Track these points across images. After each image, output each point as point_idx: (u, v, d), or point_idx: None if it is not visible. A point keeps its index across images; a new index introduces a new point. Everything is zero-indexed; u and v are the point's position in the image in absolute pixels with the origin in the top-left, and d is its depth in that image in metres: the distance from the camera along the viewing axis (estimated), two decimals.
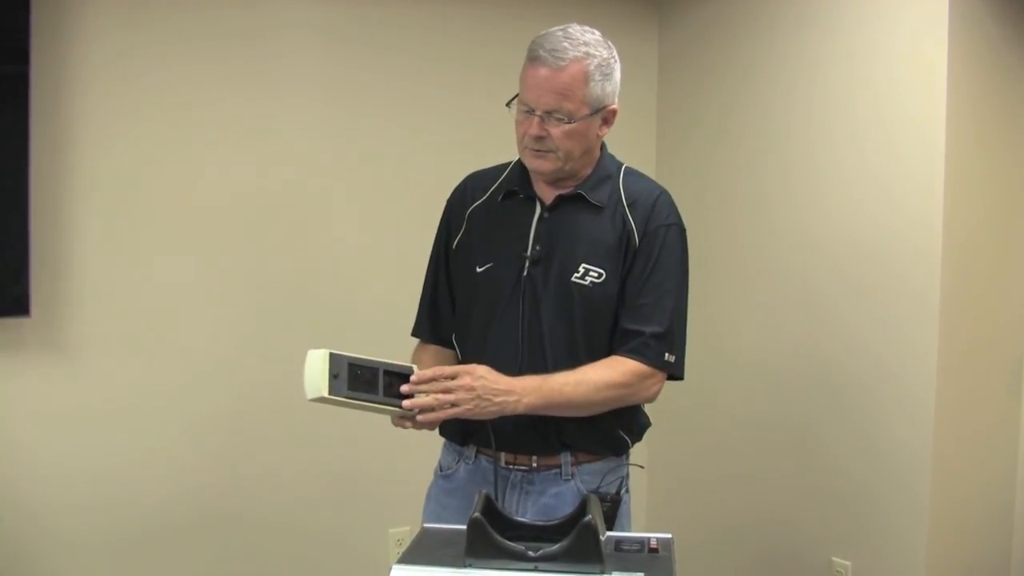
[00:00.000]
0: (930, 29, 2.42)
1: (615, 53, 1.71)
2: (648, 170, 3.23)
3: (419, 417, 1.60)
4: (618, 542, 1.43)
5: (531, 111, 1.67)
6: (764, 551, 2.92)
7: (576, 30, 1.68)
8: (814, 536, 2.75)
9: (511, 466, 1.78)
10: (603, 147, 1.83)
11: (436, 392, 1.60)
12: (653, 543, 1.42)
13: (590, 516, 1.32)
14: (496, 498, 1.69)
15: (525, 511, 1.75)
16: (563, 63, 1.64)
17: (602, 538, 1.33)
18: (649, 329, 1.71)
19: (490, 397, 1.60)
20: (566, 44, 1.64)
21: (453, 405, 1.59)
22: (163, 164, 2.59)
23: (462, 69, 2.98)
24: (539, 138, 1.68)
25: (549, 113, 1.66)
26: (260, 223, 2.74)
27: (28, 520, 2.44)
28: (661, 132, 3.36)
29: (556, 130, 1.67)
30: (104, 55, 2.50)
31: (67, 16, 2.45)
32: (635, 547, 1.41)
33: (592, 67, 1.65)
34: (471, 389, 1.60)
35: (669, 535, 1.45)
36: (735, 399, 3.04)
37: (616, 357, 1.72)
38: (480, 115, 2.83)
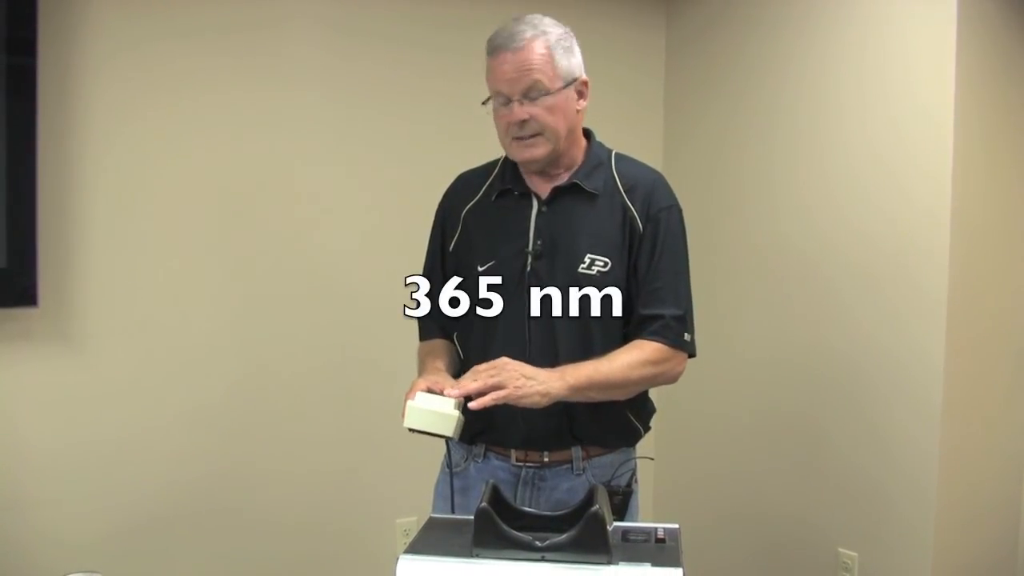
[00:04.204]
0: (939, 22, 2.41)
1: (569, 30, 1.75)
2: (655, 160, 3.24)
3: (471, 404, 1.56)
4: (625, 532, 1.43)
5: (507, 101, 1.69)
6: (771, 542, 2.93)
7: (527, 16, 1.72)
8: (820, 527, 2.75)
9: (522, 463, 1.77)
10: (591, 135, 1.83)
11: (483, 377, 1.58)
12: (660, 533, 1.42)
13: (597, 506, 1.32)
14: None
15: (537, 508, 1.72)
16: (523, 42, 1.67)
17: (609, 528, 1.33)
18: (669, 312, 1.72)
19: (533, 375, 1.58)
20: (521, 27, 1.69)
21: (499, 388, 1.56)
22: (169, 156, 2.60)
23: (468, 63, 2.95)
24: (523, 123, 1.69)
25: (525, 94, 1.68)
26: (265, 215, 2.74)
27: (33, 509, 2.45)
28: (668, 123, 3.35)
29: (537, 109, 1.68)
30: (111, 47, 2.50)
31: (74, 8, 2.45)
32: (642, 537, 1.41)
33: (552, 41, 1.69)
34: (512, 370, 1.58)
35: (676, 525, 1.45)
36: (741, 390, 3.04)
37: (638, 341, 1.72)
38: (488, 108, 2.82)
